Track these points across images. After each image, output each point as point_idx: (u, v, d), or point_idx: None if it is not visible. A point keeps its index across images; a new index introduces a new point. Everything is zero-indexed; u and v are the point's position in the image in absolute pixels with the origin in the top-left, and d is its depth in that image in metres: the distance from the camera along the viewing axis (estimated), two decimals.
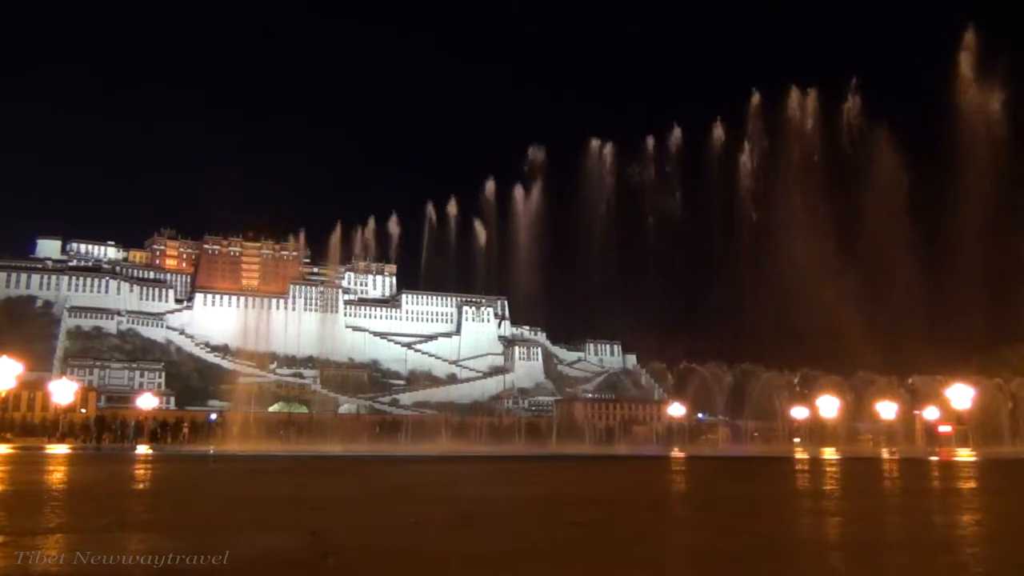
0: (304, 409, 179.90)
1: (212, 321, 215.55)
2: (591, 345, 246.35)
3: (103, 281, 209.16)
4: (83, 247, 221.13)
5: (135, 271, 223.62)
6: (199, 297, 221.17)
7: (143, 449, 67.46)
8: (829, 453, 65.60)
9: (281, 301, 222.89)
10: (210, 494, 21.17)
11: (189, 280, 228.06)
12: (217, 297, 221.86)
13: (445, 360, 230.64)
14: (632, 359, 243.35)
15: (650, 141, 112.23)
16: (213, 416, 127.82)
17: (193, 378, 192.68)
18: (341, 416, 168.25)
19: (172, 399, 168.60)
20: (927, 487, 26.01)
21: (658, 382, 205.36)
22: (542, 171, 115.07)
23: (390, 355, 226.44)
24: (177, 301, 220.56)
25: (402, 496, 20.24)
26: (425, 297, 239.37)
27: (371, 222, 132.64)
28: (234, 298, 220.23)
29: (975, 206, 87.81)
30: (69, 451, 61.75)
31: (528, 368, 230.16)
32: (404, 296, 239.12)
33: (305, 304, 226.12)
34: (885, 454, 63.17)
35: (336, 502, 18.11)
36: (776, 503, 19.48)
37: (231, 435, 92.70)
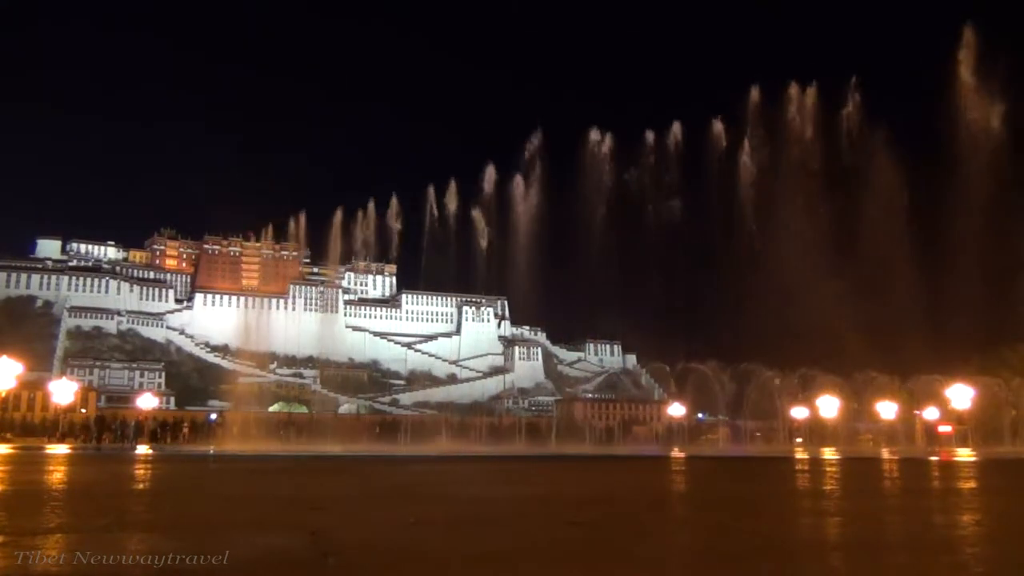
0: (304, 409, 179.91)
1: (212, 321, 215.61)
2: (591, 345, 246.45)
3: (103, 281, 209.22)
4: (83, 247, 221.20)
5: (135, 271, 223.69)
6: (199, 297, 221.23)
7: (143, 449, 67.46)
8: (829, 453, 65.59)
9: (281, 301, 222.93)
10: (210, 494, 21.17)
11: (189, 280, 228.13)
12: (217, 297, 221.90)
13: (445, 360, 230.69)
14: (632, 359, 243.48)
15: (650, 136, 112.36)
16: (213, 416, 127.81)
17: (193, 378, 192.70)
18: (341, 416, 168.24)
19: (172, 399, 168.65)
20: (927, 487, 26.01)
21: (658, 382, 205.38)
22: (542, 168, 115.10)
23: (390, 355, 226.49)
24: (177, 301, 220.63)
25: (402, 496, 20.23)
26: (425, 297, 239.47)
27: (371, 206, 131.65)
28: (234, 298, 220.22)
29: (975, 206, 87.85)
30: (69, 451, 61.75)
31: (528, 368, 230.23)
32: (404, 296, 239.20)
33: (305, 304, 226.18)
34: (885, 454, 63.16)
35: (336, 502, 18.11)
36: (776, 503, 19.48)
37: (231, 435, 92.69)
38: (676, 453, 65.35)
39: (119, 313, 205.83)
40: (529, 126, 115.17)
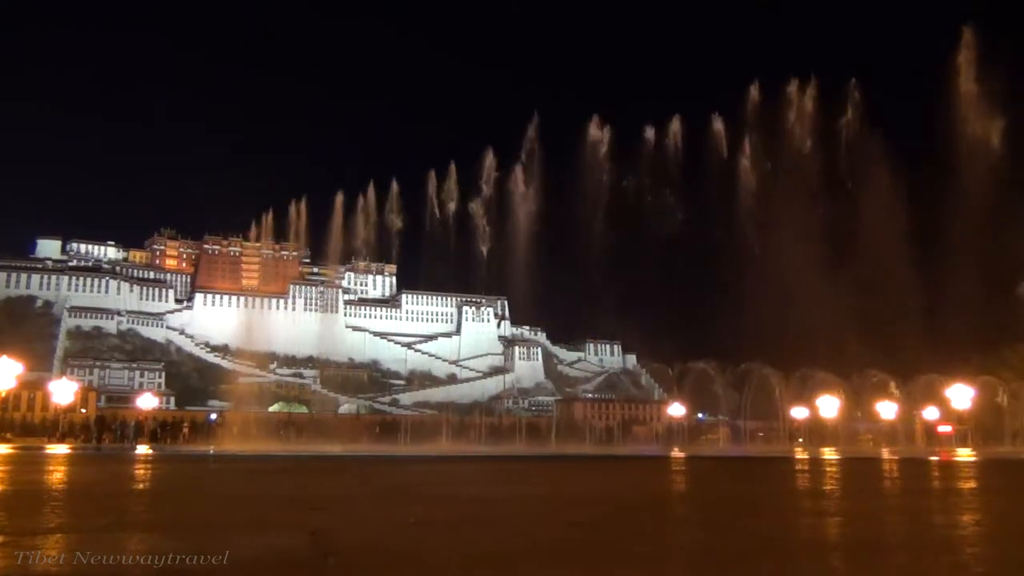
0: (304, 409, 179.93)
1: (212, 321, 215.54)
2: (591, 345, 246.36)
3: (103, 281, 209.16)
4: (83, 247, 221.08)
5: (135, 271, 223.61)
6: (199, 297, 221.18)
7: (143, 449, 67.47)
8: (829, 453, 65.59)
9: (281, 301, 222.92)
10: (210, 494, 21.17)
11: (189, 280, 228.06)
12: (217, 297, 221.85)
13: (445, 360, 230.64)
14: (632, 359, 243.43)
15: (650, 133, 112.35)
16: (213, 416, 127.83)
17: (193, 378, 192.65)
18: (341, 416, 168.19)
19: (172, 399, 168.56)
20: (927, 487, 26.01)
21: (658, 382, 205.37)
22: (541, 167, 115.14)
23: (390, 355, 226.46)
24: (177, 301, 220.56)
25: (402, 496, 20.24)
26: (425, 297, 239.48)
27: (371, 190, 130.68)
28: (234, 298, 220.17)
29: (974, 206, 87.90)
30: (69, 451, 61.75)
31: (528, 368, 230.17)
32: (404, 296, 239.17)
33: (305, 304, 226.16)
34: (885, 454, 63.16)
35: (336, 502, 18.11)
36: (776, 503, 19.48)
37: (231, 435, 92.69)
38: (676, 453, 65.35)
39: (119, 313, 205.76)
40: (529, 127, 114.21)
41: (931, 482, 28.85)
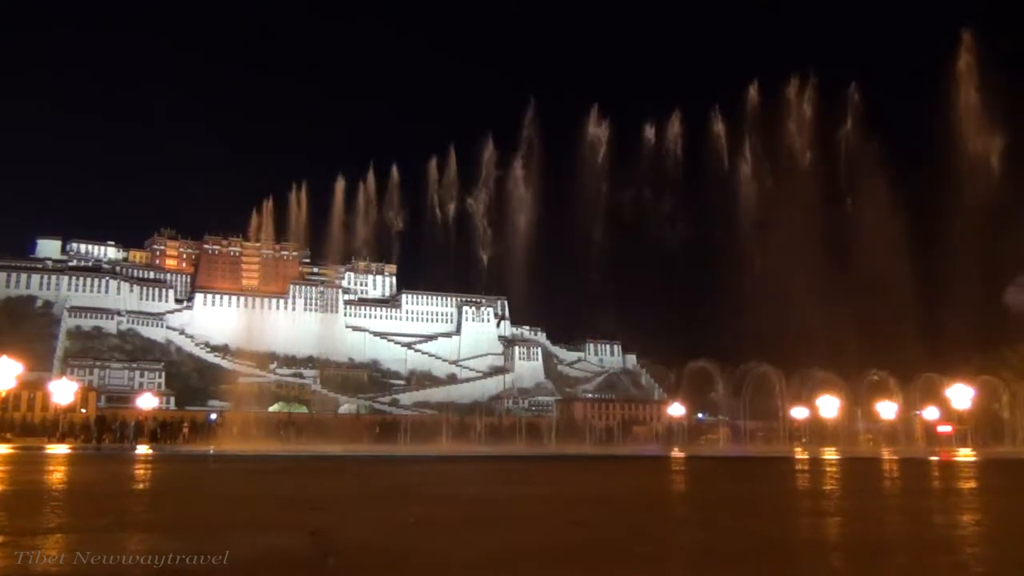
0: (304, 409, 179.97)
1: (212, 321, 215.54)
2: (591, 345, 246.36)
3: (103, 281, 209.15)
4: (83, 247, 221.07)
5: (135, 271, 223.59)
6: (199, 297, 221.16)
7: (143, 449, 67.48)
8: (829, 453, 65.59)
9: (281, 301, 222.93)
10: (210, 494, 21.17)
11: (189, 280, 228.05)
12: (217, 297, 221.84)
13: (445, 360, 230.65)
14: (632, 359, 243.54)
15: (650, 133, 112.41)
16: (213, 416, 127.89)
17: (193, 378, 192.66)
18: (341, 416, 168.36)
19: (172, 399, 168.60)
20: (927, 487, 26.01)
21: (658, 382, 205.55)
22: (540, 166, 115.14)
23: (390, 355, 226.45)
24: (177, 301, 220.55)
25: (402, 496, 20.24)
26: (425, 297, 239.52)
27: (371, 175, 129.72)
28: (234, 298, 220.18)
29: (974, 207, 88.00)
30: (69, 451, 61.77)
31: (528, 368, 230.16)
32: (404, 296, 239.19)
33: (305, 304, 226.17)
34: (885, 454, 63.16)
35: (336, 502, 18.11)
36: (776, 503, 19.48)
37: (231, 435, 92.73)
38: (676, 453, 65.35)
39: (119, 313, 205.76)
40: (527, 117, 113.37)
41: (931, 482, 28.85)
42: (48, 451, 61.12)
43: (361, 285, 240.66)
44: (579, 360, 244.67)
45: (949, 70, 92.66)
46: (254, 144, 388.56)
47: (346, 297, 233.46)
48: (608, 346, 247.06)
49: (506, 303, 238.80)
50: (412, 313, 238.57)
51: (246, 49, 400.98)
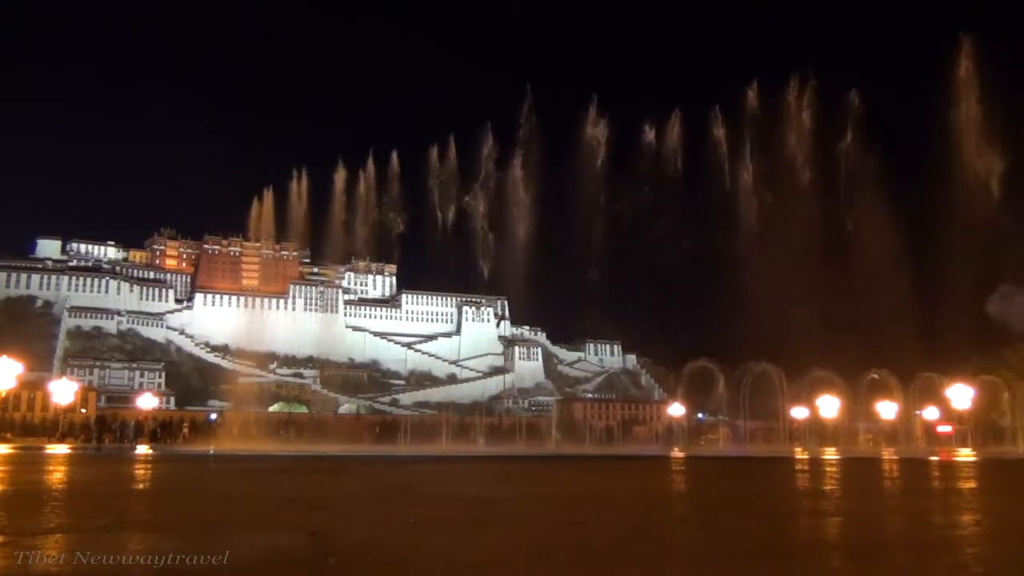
0: (304, 409, 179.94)
1: (212, 321, 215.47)
2: (591, 345, 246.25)
3: (103, 281, 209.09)
4: (83, 247, 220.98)
5: (135, 271, 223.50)
6: (199, 297, 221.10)
7: (143, 449, 67.49)
8: (829, 453, 65.59)
9: (281, 301, 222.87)
10: (210, 494, 21.17)
11: (189, 280, 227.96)
12: (217, 297, 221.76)
13: (445, 360, 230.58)
14: (632, 359, 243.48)
15: (649, 133, 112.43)
16: (213, 416, 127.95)
17: (193, 378, 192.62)
18: (341, 416, 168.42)
19: (172, 399, 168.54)
20: (927, 487, 26.02)
21: (658, 382, 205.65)
22: (539, 166, 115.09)
23: (390, 355, 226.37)
24: (177, 301, 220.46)
25: (402, 496, 20.24)
26: (425, 297, 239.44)
27: (370, 163, 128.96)
28: (234, 298, 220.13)
29: (973, 207, 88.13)
30: (69, 451, 61.79)
31: (528, 368, 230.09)
32: (404, 296, 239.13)
33: (305, 304, 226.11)
34: (885, 454, 63.15)
35: (336, 502, 18.12)
36: (776, 503, 19.48)
37: (231, 435, 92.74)
38: (676, 453, 65.36)
39: (119, 313, 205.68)
40: (524, 108, 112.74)
41: (931, 482, 28.85)
42: (48, 451, 61.13)
43: (361, 285, 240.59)
44: (579, 360, 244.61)
45: (949, 73, 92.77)
46: (254, 144, 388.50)
47: (346, 297, 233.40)
48: (608, 346, 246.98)
49: (506, 303, 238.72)
50: (412, 313, 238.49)
51: (246, 49, 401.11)
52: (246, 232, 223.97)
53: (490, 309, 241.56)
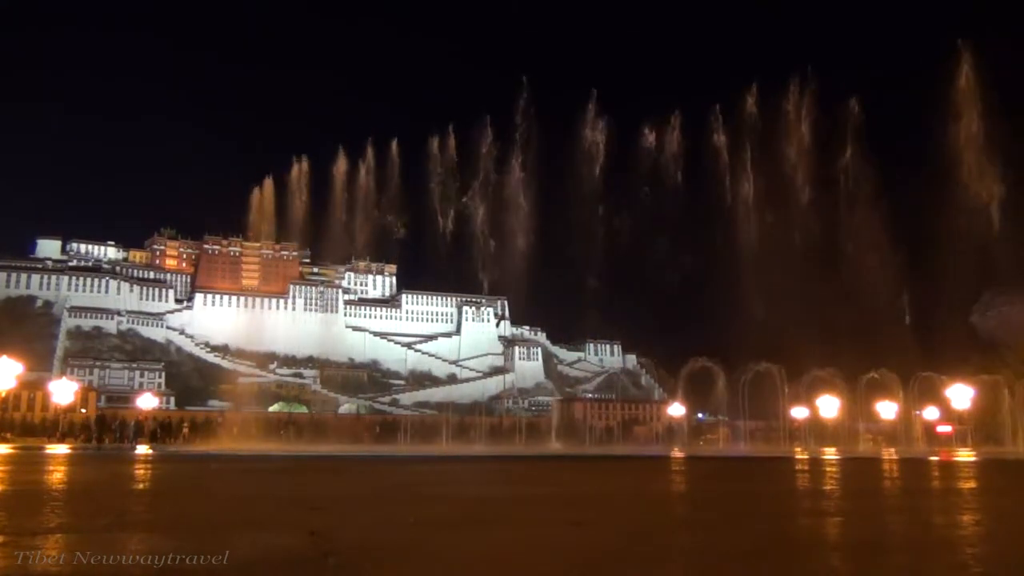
0: (304, 409, 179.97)
1: (212, 321, 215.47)
2: (591, 345, 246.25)
3: (103, 281, 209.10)
4: (83, 247, 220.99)
5: (135, 271, 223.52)
6: (199, 297, 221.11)
7: (143, 449, 67.49)
8: (829, 453, 65.59)
9: (281, 301, 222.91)
10: (210, 494, 21.17)
11: (189, 280, 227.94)
12: (217, 297, 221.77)
13: (445, 360, 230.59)
14: (632, 359, 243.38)
15: (649, 134, 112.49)
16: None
17: (193, 378, 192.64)
18: (341, 416, 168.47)
19: (172, 399, 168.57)
20: (927, 487, 26.01)
21: (658, 382, 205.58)
22: (539, 164, 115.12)
23: (390, 355, 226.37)
24: (177, 301, 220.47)
25: (402, 496, 20.24)
26: (425, 297, 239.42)
27: (369, 152, 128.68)
28: (234, 298, 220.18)
29: (972, 207, 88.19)
30: (69, 451, 61.79)
31: (528, 368, 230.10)
32: (404, 296, 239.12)
33: (305, 304, 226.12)
34: (885, 454, 63.15)
35: (336, 502, 18.11)
36: (776, 503, 19.47)
37: (231, 435, 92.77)
38: (676, 453, 65.35)
39: (119, 313, 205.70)
40: (520, 102, 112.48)
41: (931, 482, 28.85)
42: (48, 451, 61.14)
43: (361, 285, 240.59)
44: (579, 360, 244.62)
45: (949, 76, 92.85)
46: (254, 144, 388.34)
47: (346, 297, 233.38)
48: (608, 346, 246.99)
49: (506, 303, 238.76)
50: (412, 313, 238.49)
51: (246, 48, 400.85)
52: (246, 232, 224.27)
53: (490, 309, 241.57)
